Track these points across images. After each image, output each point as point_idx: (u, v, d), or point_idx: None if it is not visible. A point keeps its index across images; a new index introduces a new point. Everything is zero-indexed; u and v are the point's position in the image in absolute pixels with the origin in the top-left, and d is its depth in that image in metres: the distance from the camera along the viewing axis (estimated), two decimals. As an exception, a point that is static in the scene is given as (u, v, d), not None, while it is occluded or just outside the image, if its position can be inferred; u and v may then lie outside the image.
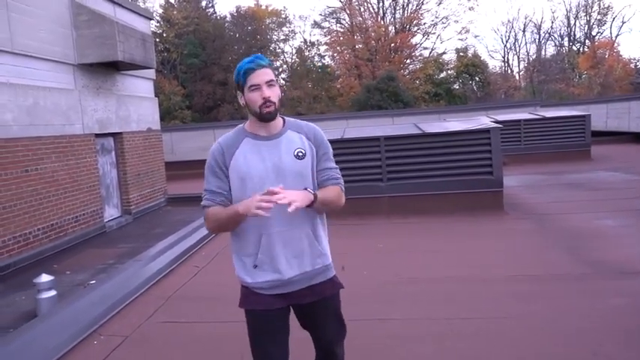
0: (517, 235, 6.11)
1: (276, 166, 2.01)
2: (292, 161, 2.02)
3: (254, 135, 2.06)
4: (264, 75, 1.96)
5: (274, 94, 1.98)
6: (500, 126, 7.39)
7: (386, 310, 3.92)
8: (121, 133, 10.74)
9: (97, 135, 9.84)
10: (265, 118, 1.99)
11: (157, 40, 30.54)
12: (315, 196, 1.95)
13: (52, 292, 5.33)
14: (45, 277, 5.36)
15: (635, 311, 3.64)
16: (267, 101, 1.95)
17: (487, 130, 7.26)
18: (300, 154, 2.05)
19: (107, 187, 10.32)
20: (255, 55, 2.05)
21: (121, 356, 3.43)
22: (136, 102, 11.56)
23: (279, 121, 2.09)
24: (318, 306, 2.14)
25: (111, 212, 10.41)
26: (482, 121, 8.99)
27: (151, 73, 12.37)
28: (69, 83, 9.02)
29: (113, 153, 10.66)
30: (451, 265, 5.06)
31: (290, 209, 1.79)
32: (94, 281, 6.24)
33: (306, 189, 1.97)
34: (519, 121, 13.90)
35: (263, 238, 2.01)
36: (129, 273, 5.20)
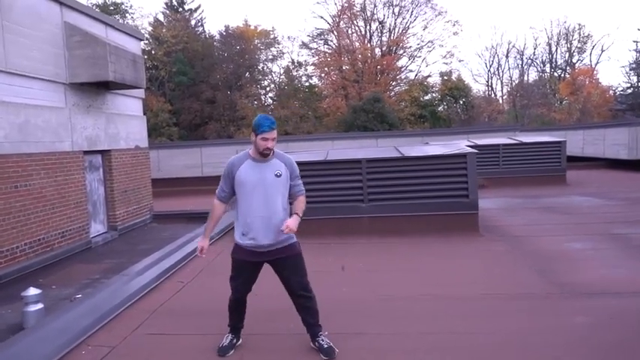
0: (490, 255, 6.35)
1: (263, 179, 3.35)
2: (272, 178, 3.37)
3: (253, 158, 3.41)
4: (272, 134, 3.31)
5: (273, 145, 3.35)
6: (476, 151, 7.64)
7: (362, 325, 4.12)
8: (109, 151, 10.90)
9: (86, 152, 10.00)
10: (263, 155, 3.35)
11: (146, 57, 30.64)
12: (299, 215, 3.36)
13: (40, 305, 5.45)
14: (33, 291, 5.49)
15: (597, 328, 3.88)
16: (266, 148, 3.31)
17: (464, 155, 7.52)
18: (278, 174, 3.39)
19: (94, 203, 10.44)
20: (272, 120, 3.34)
21: (109, 366, 3.59)
22: (125, 120, 11.74)
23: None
24: (283, 263, 3.43)
25: (97, 228, 10.51)
26: (461, 145, 9.29)
27: (141, 92, 12.58)
28: (60, 101, 9.20)
29: (101, 170, 10.81)
30: (426, 283, 5.28)
31: (286, 231, 3.23)
32: (80, 295, 6.35)
33: (295, 213, 3.37)
34: (498, 145, 14.29)
35: (248, 219, 3.36)
36: (115, 287, 5.29)
